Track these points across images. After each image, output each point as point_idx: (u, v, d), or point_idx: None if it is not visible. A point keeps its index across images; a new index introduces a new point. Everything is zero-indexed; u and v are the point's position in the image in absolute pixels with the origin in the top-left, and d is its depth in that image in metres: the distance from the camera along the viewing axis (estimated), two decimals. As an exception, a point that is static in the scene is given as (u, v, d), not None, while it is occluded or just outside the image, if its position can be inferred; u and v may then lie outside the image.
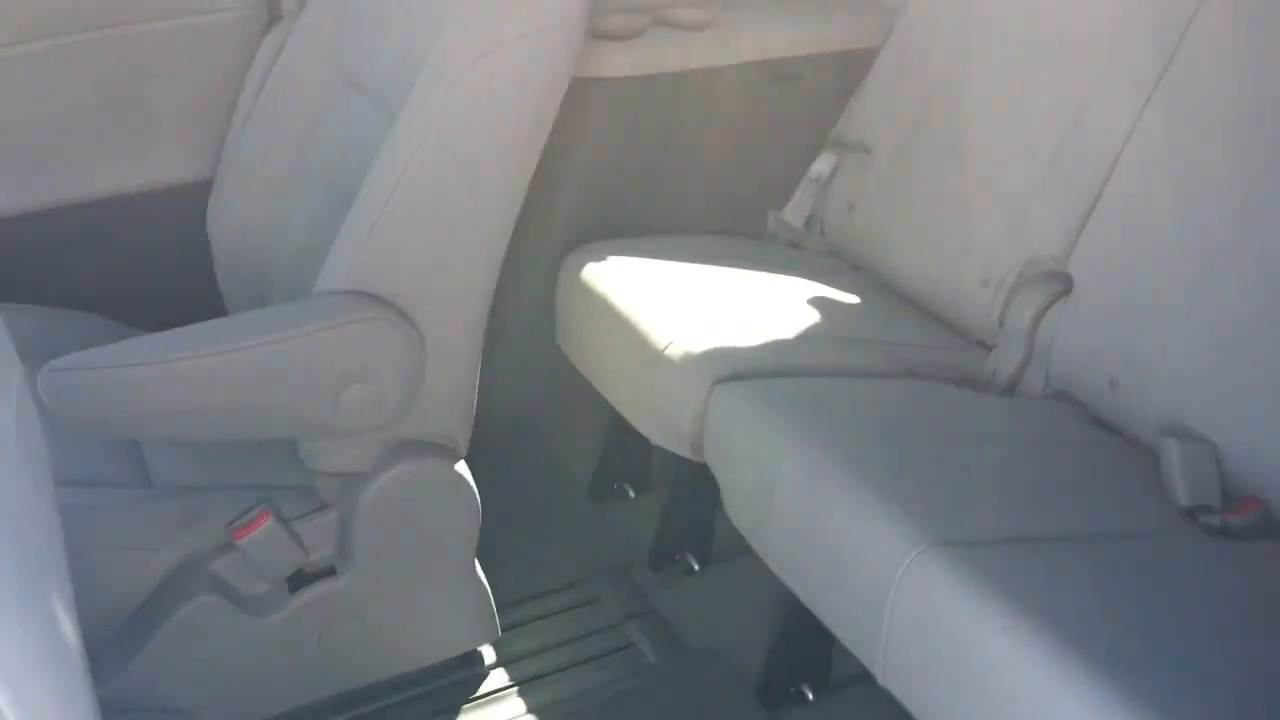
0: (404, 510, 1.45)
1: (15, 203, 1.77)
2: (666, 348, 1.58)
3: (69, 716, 0.50)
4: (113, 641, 1.37)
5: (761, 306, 1.73)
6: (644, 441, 1.68)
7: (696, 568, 1.83)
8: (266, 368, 1.27)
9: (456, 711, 1.55)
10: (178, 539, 1.37)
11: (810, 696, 1.60)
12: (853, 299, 1.82)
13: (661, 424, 1.60)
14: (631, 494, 1.99)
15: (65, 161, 1.80)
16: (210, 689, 1.42)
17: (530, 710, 1.56)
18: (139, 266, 1.87)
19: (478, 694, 1.57)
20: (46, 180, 1.79)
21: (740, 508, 1.48)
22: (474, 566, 1.56)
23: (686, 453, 1.56)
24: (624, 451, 1.97)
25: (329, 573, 1.45)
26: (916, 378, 1.61)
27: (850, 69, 2.03)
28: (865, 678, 1.25)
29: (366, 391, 1.34)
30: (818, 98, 2.04)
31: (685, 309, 1.67)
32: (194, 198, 1.80)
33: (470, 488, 1.50)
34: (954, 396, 1.59)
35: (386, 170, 1.32)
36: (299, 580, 1.44)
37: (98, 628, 1.34)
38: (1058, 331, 1.61)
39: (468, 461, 1.52)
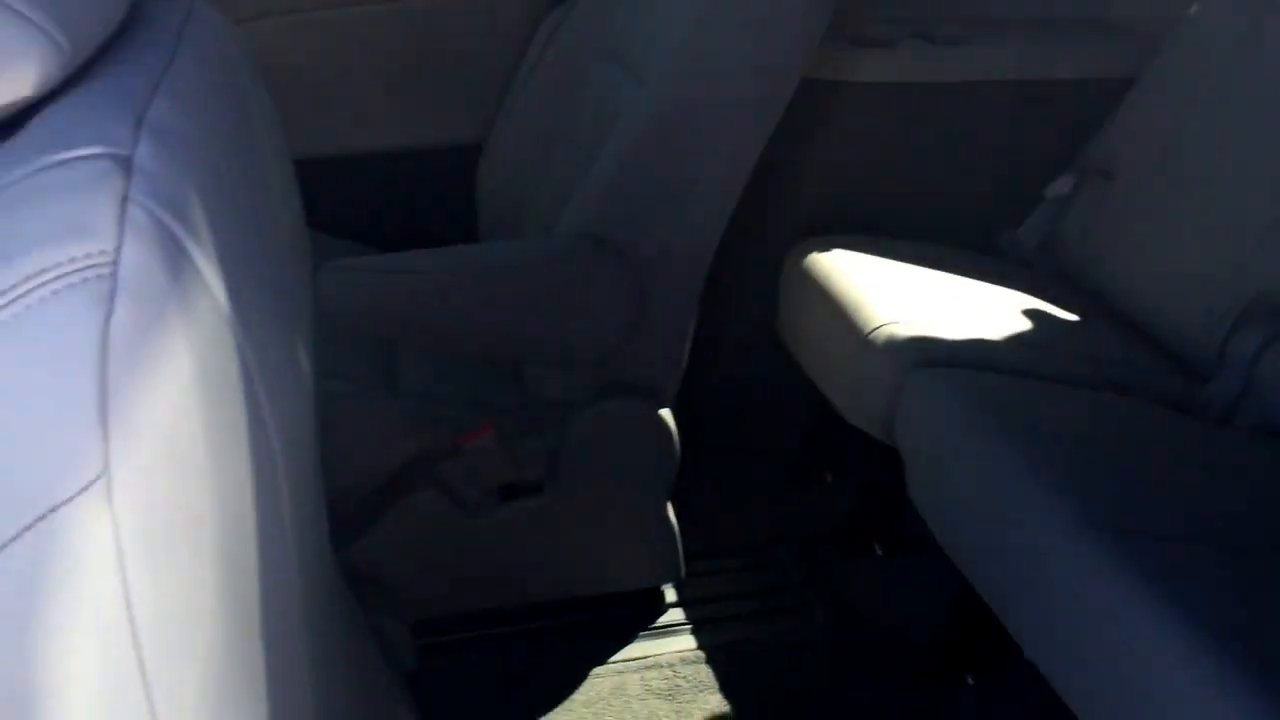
0: (609, 443, 1.59)
1: (313, 148, 2.04)
2: (872, 331, 1.66)
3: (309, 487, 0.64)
4: (345, 519, 1.57)
5: (975, 306, 1.78)
6: (846, 429, 1.76)
7: (880, 553, 1.89)
8: (505, 289, 1.45)
9: (632, 638, 1.67)
10: (412, 438, 1.56)
11: (971, 682, 1.63)
12: (1071, 316, 1.84)
13: (858, 404, 1.68)
14: (829, 478, 2.07)
15: (361, 115, 2.05)
16: (420, 573, 1.60)
17: (700, 647, 1.67)
18: (411, 216, 2.10)
19: (654, 626, 1.69)
20: (342, 131, 2.05)
21: (921, 488, 1.54)
22: (666, 509, 1.68)
23: (879, 434, 1.63)
24: (825, 436, 2.05)
25: (537, 490, 1.61)
26: (1123, 395, 1.63)
27: (1100, 96, 2.05)
28: (1031, 671, 1.29)
29: (588, 327, 1.49)
30: (1063, 121, 2.07)
31: (899, 298, 1.74)
32: (466, 159, 2.02)
33: (671, 433, 1.62)
34: (1158, 415, 1.59)
35: (628, 131, 1.47)
36: (510, 492, 1.60)
37: (336, 504, 1.55)
38: (1278, 369, 1.58)
39: (680, 420, 1.64)
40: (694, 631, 1.70)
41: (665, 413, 1.63)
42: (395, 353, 1.67)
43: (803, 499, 2.04)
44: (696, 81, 1.45)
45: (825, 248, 1.95)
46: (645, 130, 1.46)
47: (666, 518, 1.68)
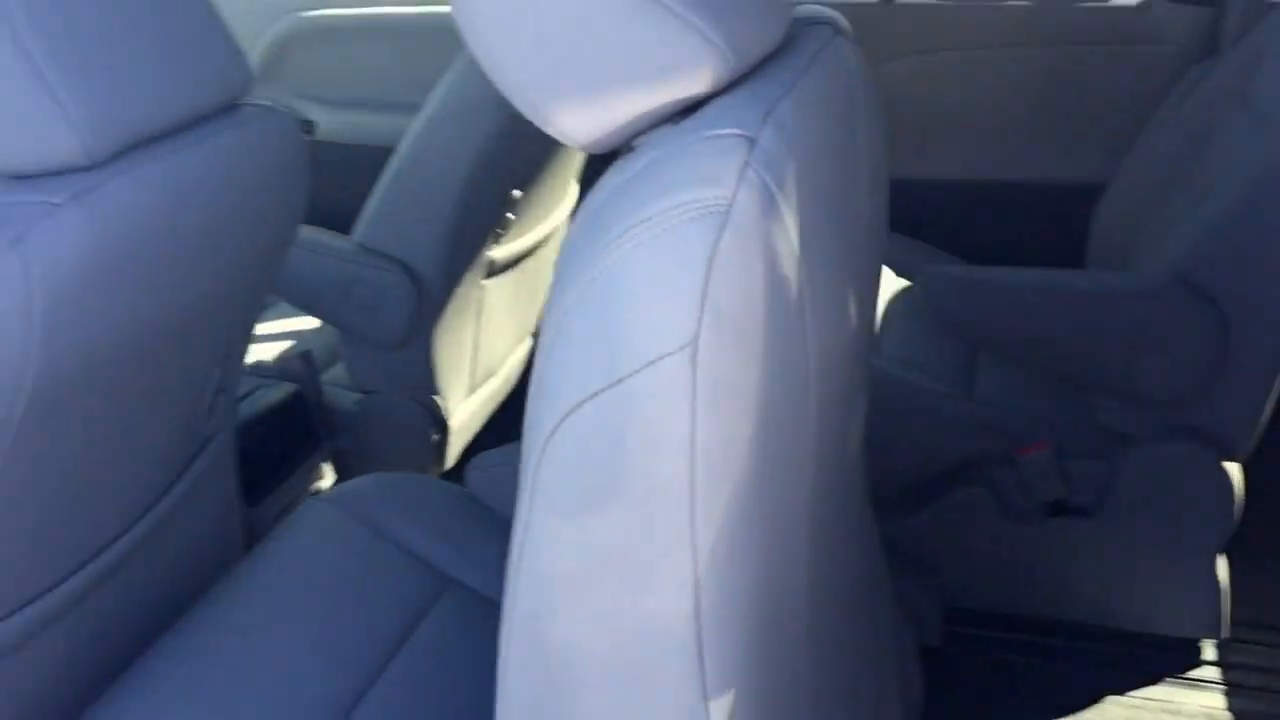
0: (1165, 484, 1.62)
1: (938, 171, 2.26)
2: None
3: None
4: (898, 495, 1.76)
5: None
6: None
7: None
8: (1086, 314, 1.54)
9: (1156, 681, 1.68)
10: (976, 439, 1.71)
11: None
12: None
13: None
14: None
15: (989, 147, 2.23)
16: (958, 563, 1.74)
17: (1230, 709, 1.63)
18: (1020, 244, 2.23)
19: (1182, 675, 1.68)
20: (967, 159, 2.24)
21: None
22: (1217, 564, 1.66)
23: None
24: None
25: (1083, 513, 1.68)
26: None
27: None
28: None
29: (1161, 365, 1.53)
30: None
31: None
32: (1083, 197, 2.10)
33: (1233, 488, 1.60)
34: None
35: (1243, 176, 1.48)
36: (1055, 509, 1.69)
37: (893, 479, 1.75)
38: None
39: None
40: (1227, 693, 1.66)
41: (1233, 466, 1.61)
42: (975, 358, 1.82)
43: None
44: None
45: None
46: (1261, 176, 1.47)
47: (1214, 573, 1.66)
